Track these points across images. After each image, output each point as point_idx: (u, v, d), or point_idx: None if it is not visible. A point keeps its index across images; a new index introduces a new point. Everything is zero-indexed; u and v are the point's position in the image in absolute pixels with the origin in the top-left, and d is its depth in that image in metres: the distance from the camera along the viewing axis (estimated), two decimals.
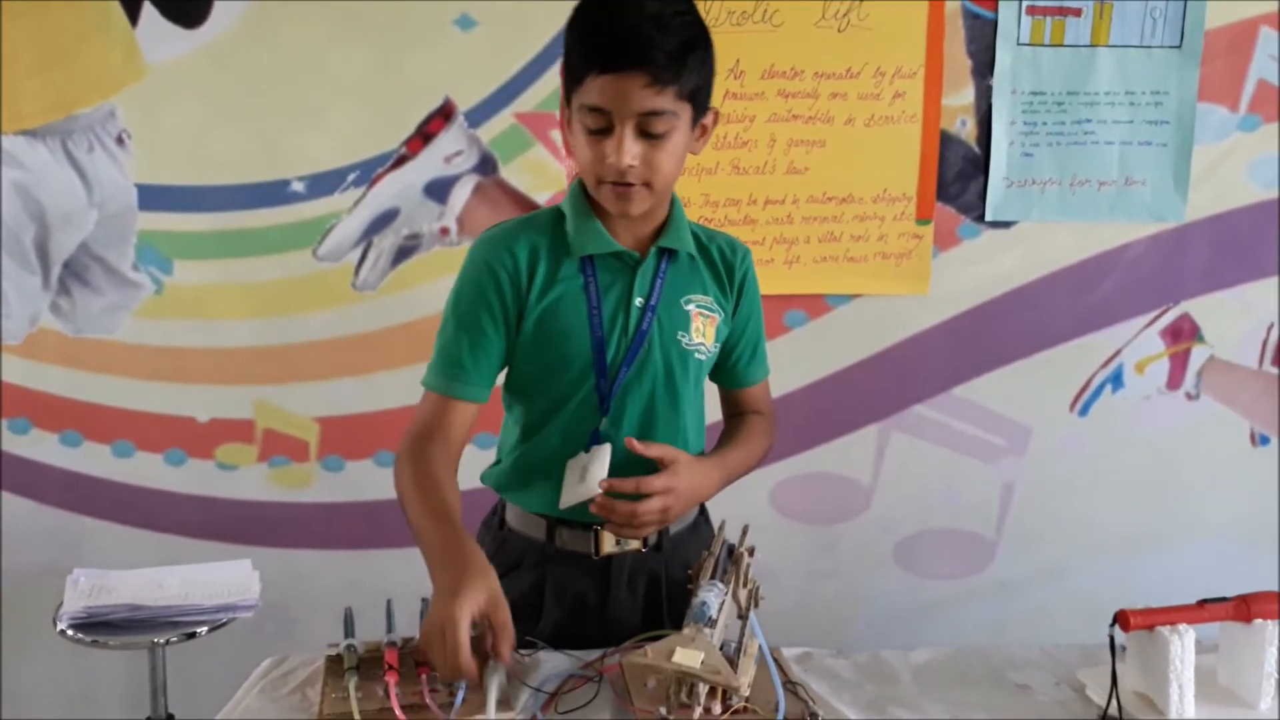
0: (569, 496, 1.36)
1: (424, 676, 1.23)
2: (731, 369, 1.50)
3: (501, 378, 1.43)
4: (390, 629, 1.32)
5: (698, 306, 1.40)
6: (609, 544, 1.40)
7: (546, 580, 1.42)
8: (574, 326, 1.35)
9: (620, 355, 1.37)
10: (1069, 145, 2.30)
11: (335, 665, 1.27)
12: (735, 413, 1.54)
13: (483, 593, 1.12)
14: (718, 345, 1.44)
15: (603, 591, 1.42)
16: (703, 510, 1.53)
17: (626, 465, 1.34)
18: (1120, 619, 1.23)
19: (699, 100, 1.29)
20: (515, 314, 1.35)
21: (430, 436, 1.32)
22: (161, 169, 2.20)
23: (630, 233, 1.37)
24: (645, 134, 1.25)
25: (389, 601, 1.35)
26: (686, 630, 1.14)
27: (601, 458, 1.35)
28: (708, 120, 1.33)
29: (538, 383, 1.39)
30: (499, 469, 1.47)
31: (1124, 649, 1.27)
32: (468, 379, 1.35)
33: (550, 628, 1.40)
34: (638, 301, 1.37)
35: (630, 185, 1.27)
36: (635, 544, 1.41)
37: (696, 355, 1.40)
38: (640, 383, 1.38)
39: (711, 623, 1.16)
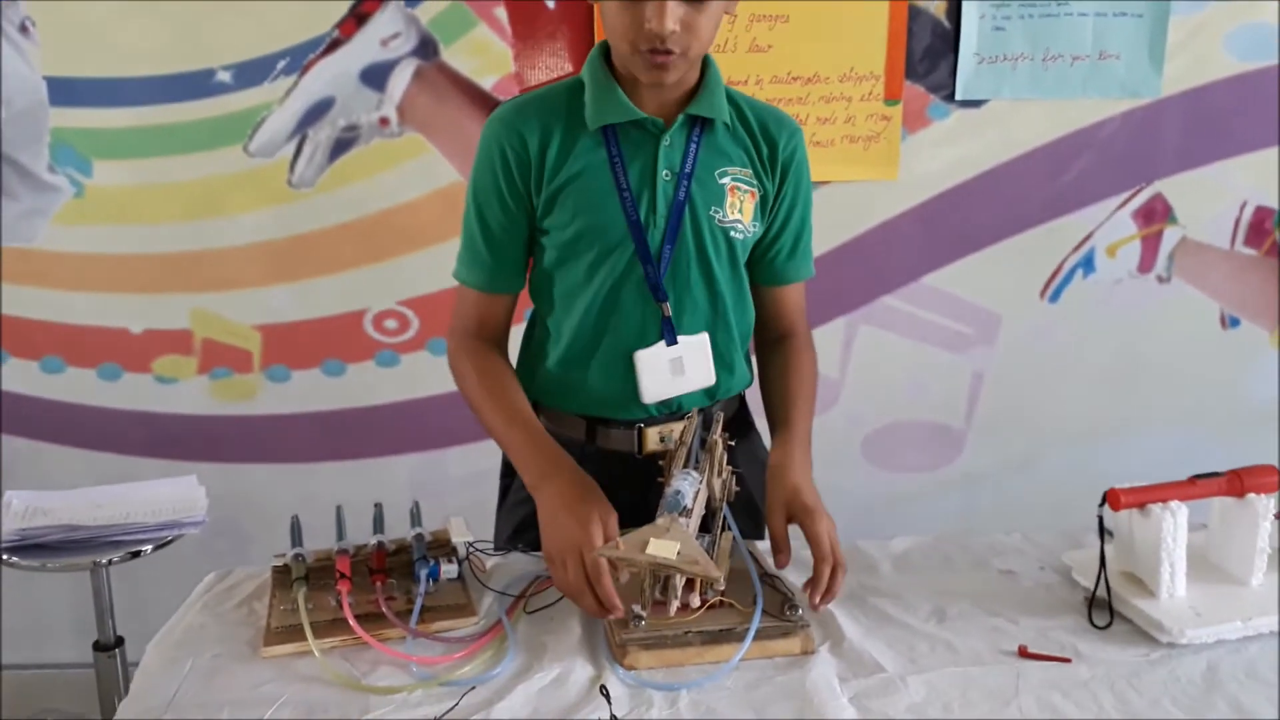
0: (658, 389, 1.30)
1: (379, 584, 1.16)
2: (770, 263, 1.37)
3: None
4: (341, 536, 1.23)
5: (734, 180, 1.28)
6: (653, 441, 1.34)
7: None
8: (600, 203, 1.25)
9: (660, 234, 1.26)
10: (1041, 18, 2.19)
11: (283, 576, 1.19)
12: (768, 324, 1.42)
13: (601, 509, 1.13)
14: (756, 225, 1.32)
15: (645, 492, 1.32)
16: (743, 404, 1.45)
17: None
18: (1110, 498, 1.18)
19: None
20: (527, 198, 1.27)
21: (477, 333, 1.32)
22: (72, 60, 2.03)
23: (655, 99, 1.25)
24: None
25: (339, 508, 1.27)
26: (660, 521, 1.07)
27: (701, 350, 1.29)
28: None
29: (572, 273, 1.29)
30: (537, 377, 1.37)
31: (1110, 534, 1.23)
32: (496, 273, 1.31)
33: None
34: (664, 174, 1.26)
35: (669, 53, 1.15)
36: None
37: (733, 234, 1.29)
38: (675, 264, 1.28)
39: (686, 512, 1.08)
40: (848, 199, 2.26)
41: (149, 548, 1.78)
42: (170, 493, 1.92)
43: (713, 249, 1.29)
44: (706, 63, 1.27)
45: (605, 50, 1.27)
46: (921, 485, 2.45)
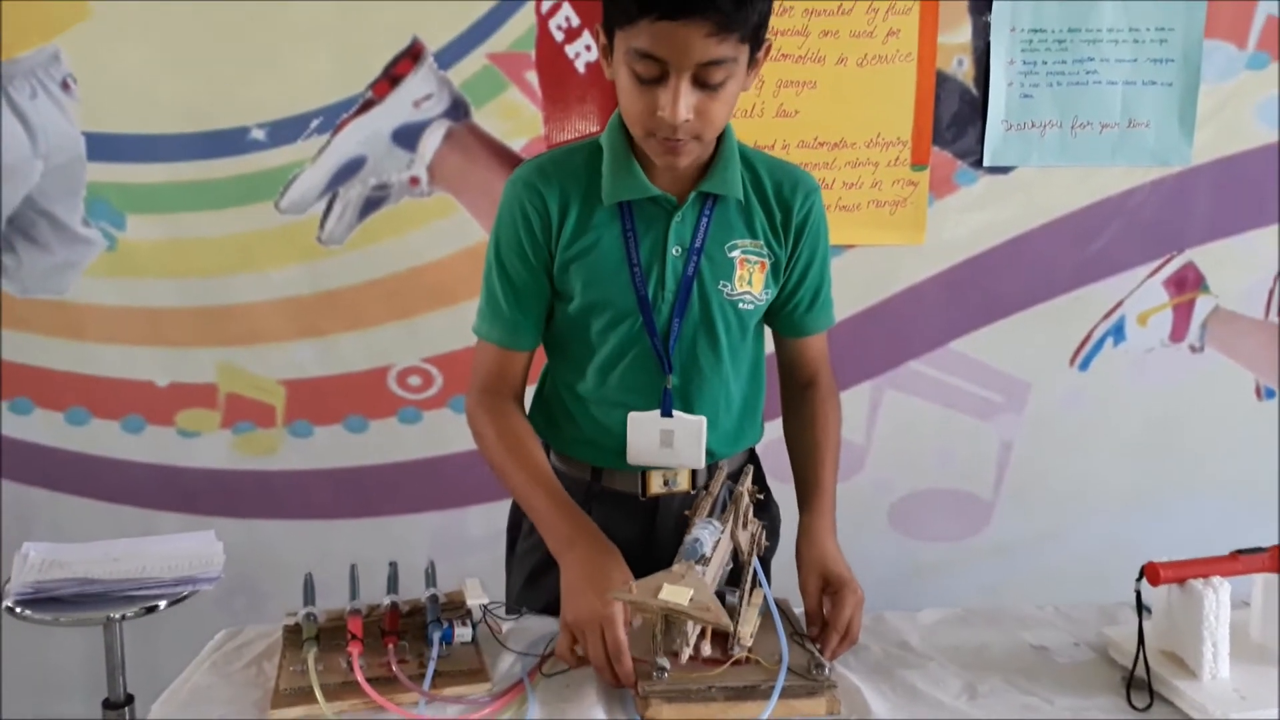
0: (644, 455, 1.31)
1: (391, 646, 1.13)
2: (788, 316, 1.38)
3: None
4: (354, 595, 1.21)
5: (743, 253, 1.29)
6: (656, 484, 1.34)
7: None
8: (610, 277, 1.26)
9: (669, 308, 1.27)
10: (1070, 86, 2.19)
11: (294, 636, 1.17)
12: (792, 372, 1.42)
13: (625, 581, 1.11)
14: (769, 292, 1.32)
15: (647, 534, 1.35)
16: (753, 455, 1.44)
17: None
18: (1148, 572, 1.15)
19: (759, 37, 1.17)
20: (548, 257, 1.28)
21: (497, 389, 1.32)
22: (111, 116, 2.06)
23: (670, 173, 1.26)
24: (702, 84, 1.13)
25: (353, 566, 1.25)
26: (676, 567, 1.05)
27: (695, 432, 1.28)
28: (761, 54, 1.21)
29: (583, 336, 1.31)
30: (547, 422, 1.38)
31: (1148, 610, 1.18)
32: (517, 330, 1.31)
33: None
34: (674, 250, 1.27)
35: (680, 140, 1.16)
36: (683, 485, 1.35)
37: (741, 305, 1.30)
38: (682, 337, 1.29)
39: (704, 560, 1.06)
40: (874, 263, 2.24)
41: (163, 603, 1.75)
42: (188, 548, 1.89)
43: (721, 322, 1.30)
44: (723, 133, 1.27)
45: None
46: (949, 555, 2.40)
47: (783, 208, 1.31)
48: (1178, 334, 2.35)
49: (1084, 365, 2.35)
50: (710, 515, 1.16)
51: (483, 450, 1.31)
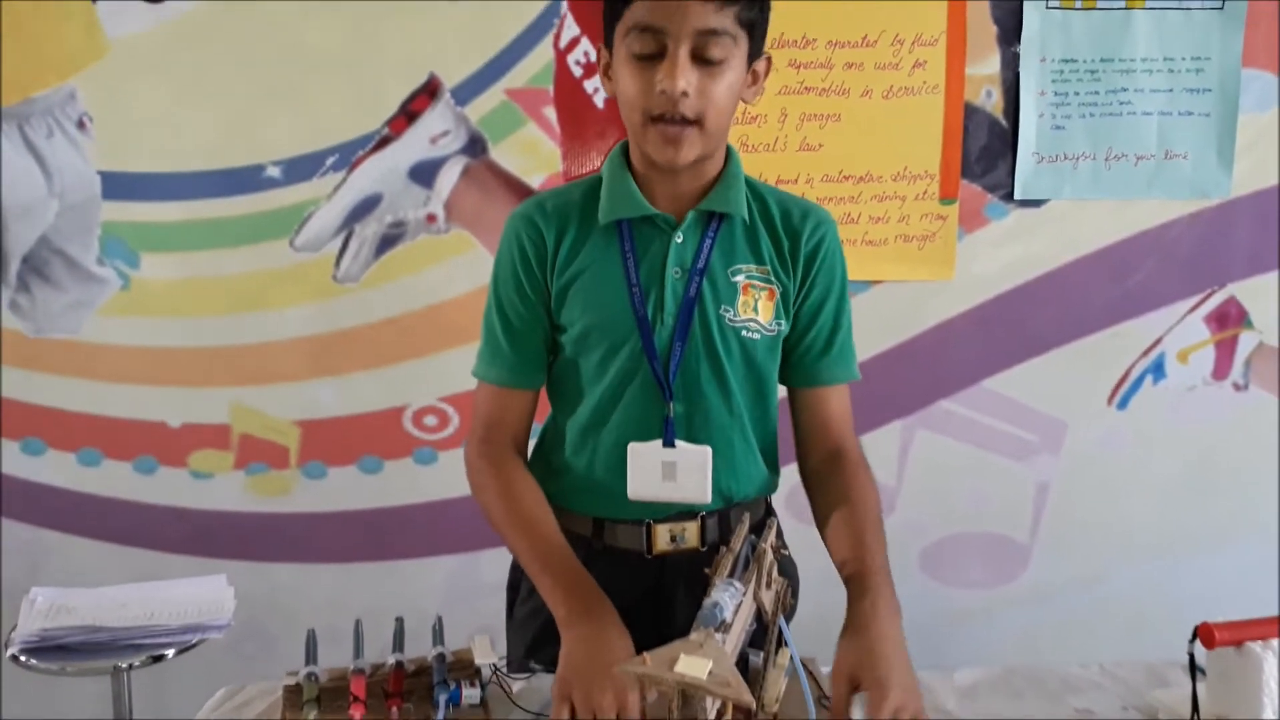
0: (645, 489, 1.23)
1: (395, 709, 1.07)
2: (801, 361, 1.28)
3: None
4: (358, 653, 1.15)
5: (747, 278, 1.23)
6: (663, 541, 1.27)
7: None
8: (608, 298, 1.22)
9: (669, 333, 1.22)
10: (1103, 117, 2.14)
11: (294, 696, 1.11)
12: (812, 436, 1.30)
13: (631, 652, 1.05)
14: (779, 323, 1.25)
15: (654, 593, 1.27)
16: (769, 509, 1.37)
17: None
18: (1202, 634, 1.07)
19: (755, 35, 1.16)
20: (546, 292, 1.25)
21: (497, 437, 1.28)
22: (126, 155, 2.05)
23: (671, 193, 1.22)
24: (701, 60, 1.12)
25: (358, 622, 1.19)
26: (694, 635, 0.97)
27: (699, 464, 1.21)
28: (760, 66, 1.20)
29: (585, 369, 1.26)
30: (545, 473, 1.30)
31: (1202, 672, 1.11)
32: (516, 368, 1.27)
33: None
34: (674, 271, 1.22)
35: (682, 124, 1.13)
36: (692, 542, 1.27)
37: (745, 333, 1.23)
38: (685, 363, 1.23)
39: (724, 627, 0.99)
40: (901, 299, 2.19)
41: (171, 652, 1.71)
42: (197, 593, 1.85)
43: (723, 349, 1.24)
44: (730, 156, 1.24)
45: (626, 148, 1.25)
46: (984, 602, 2.31)
47: (790, 235, 1.26)
48: (1220, 371, 2.26)
49: (1122, 404, 2.27)
50: (731, 574, 1.09)
51: (482, 504, 1.25)
